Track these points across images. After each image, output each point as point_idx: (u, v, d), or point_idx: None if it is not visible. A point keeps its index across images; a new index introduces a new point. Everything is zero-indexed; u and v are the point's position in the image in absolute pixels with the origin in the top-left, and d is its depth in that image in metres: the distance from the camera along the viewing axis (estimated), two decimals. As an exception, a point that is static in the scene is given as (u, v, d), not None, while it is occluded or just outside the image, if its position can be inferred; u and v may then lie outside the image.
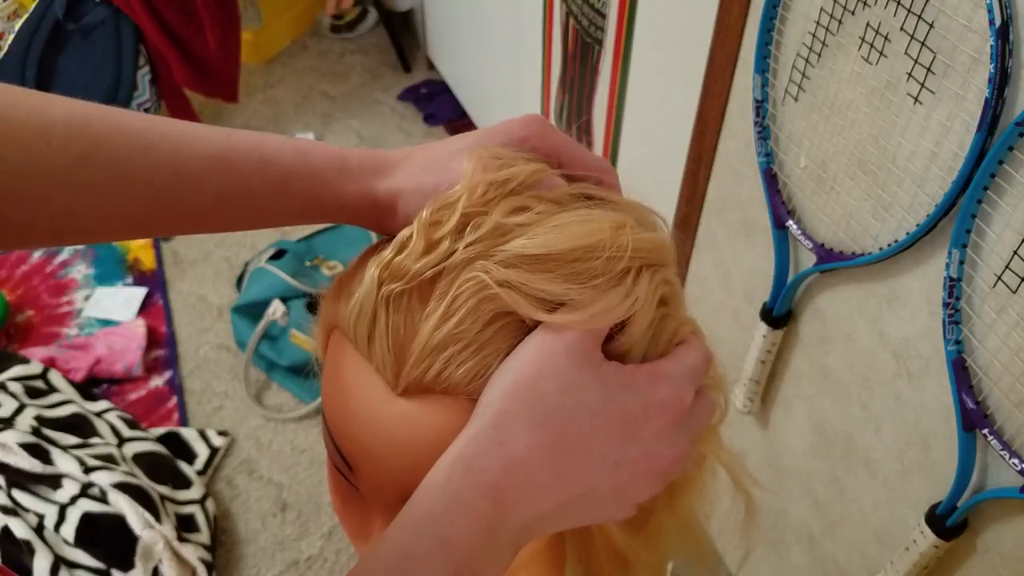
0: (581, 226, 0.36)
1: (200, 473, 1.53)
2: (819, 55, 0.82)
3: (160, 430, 1.60)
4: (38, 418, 1.49)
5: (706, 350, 0.39)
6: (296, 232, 1.99)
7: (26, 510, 1.34)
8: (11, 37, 1.86)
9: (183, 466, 1.52)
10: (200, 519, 1.43)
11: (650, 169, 1.25)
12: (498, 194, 0.37)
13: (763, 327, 1.00)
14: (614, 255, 0.36)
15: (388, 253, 0.36)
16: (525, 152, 0.40)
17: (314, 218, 0.40)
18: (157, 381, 1.73)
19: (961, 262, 0.71)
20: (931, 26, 0.69)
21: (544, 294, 0.35)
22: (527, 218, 0.36)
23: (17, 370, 1.62)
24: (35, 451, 1.38)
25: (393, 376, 0.35)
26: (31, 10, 1.87)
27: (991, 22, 0.61)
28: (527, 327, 0.35)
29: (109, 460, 1.43)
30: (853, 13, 0.77)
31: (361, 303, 0.36)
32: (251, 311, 1.74)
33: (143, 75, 2.03)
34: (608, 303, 0.35)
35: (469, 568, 0.32)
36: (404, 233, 0.36)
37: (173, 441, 1.58)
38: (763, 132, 0.92)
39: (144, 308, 1.87)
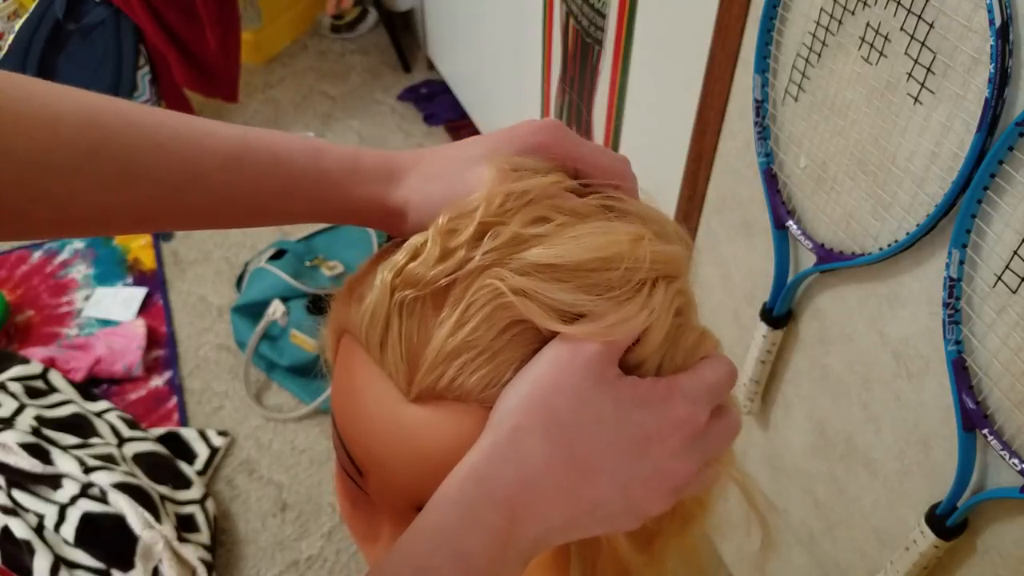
0: (599, 238, 0.36)
1: (200, 473, 1.53)
2: (819, 55, 0.82)
3: (160, 430, 1.60)
4: (38, 418, 1.49)
5: (730, 367, 0.39)
6: (296, 232, 1.99)
7: (26, 510, 1.34)
8: (11, 37, 1.86)
9: (183, 466, 1.52)
10: (200, 519, 1.43)
11: (650, 169, 1.25)
12: (516, 205, 0.36)
13: (763, 327, 1.00)
14: (631, 267, 0.35)
15: (400, 258, 0.35)
16: (542, 160, 0.39)
17: (323, 218, 0.40)
18: (157, 381, 1.73)
19: (961, 262, 0.70)
20: (931, 26, 0.69)
21: (560, 304, 0.34)
22: (545, 229, 0.35)
23: (17, 370, 1.62)
24: (35, 451, 1.38)
25: (405, 383, 0.35)
26: (31, 10, 1.87)
27: (991, 22, 0.61)
28: (542, 335, 0.35)
29: (109, 460, 1.43)
30: (853, 13, 0.77)
31: (373, 309, 0.36)
32: (251, 311, 1.74)
33: (143, 75, 2.03)
34: (625, 315, 0.35)
35: None
36: (418, 239, 0.36)
37: (173, 441, 1.58)
38: (763, 132, 0.92)
39: (144, 308, 1.87)
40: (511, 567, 0.33)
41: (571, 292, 0.34)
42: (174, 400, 1.69)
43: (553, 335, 0.35)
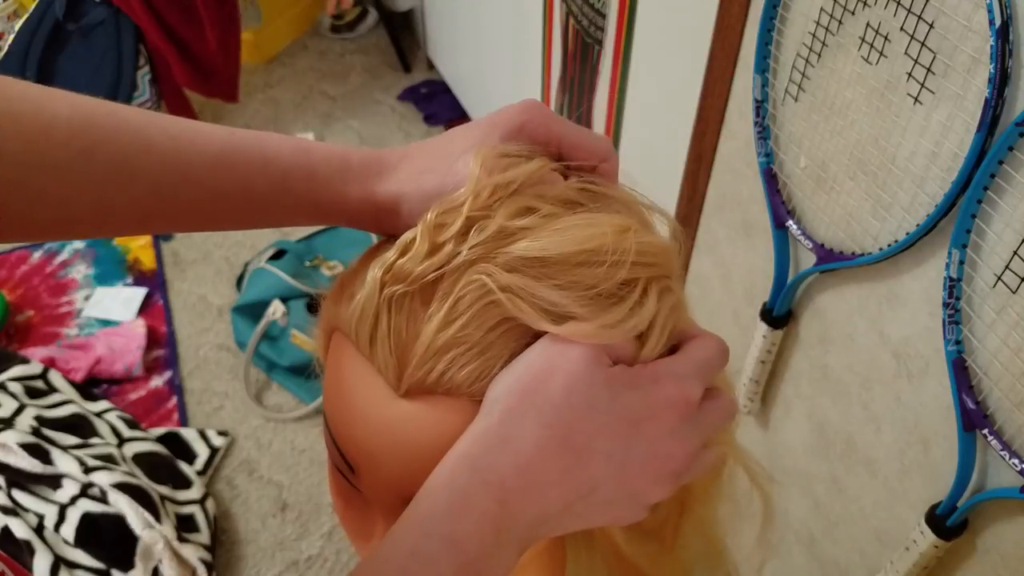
0: (584, 230, 0.36)
1: (200, 473, 1.53)
2: (819, 55, 0.82)
3: (160, 430, 1.60)
4: (38, 418, 1.49)
5: (719, 344, 0.39)
6: (296, 232, 1.99)
7: (26, 510, 1.34)
8: (11, 37, 1.86)
9: (183, 466, 1.52)
10: (200, 519, 1.43)
11: (650, 169, 1.25)
12: (503, 196, 0.36)
13: (763, 327, 1.00)
14: (616, 260, 0.35)
15: (391, 255, 0.36)
16: (526, 144, 0.39)
17: (315, 219, 0.40)
18: (157, 381, 1.73)
19: (961, 262, 0.70)
20: (931, 26, 0.69)
21: (547, 303, 0.34)
22: (531, 221, 0.36)
23: (17, 370, 1.62)
24: (35, 451, 1.38)
25: (395, 378, 0.35)
26: (31, 10, 1.87)
27: (991, 22, 0.61)
28: (531, 331, 0.35)
29: (109, 460, 1.43)
30: (853, 13, 0.77)
31: (363, 305, 0.36)
32: (251, 311, 1.74)
33: (143, 75, 2.03)
34: (615, 317, 0.35)
35: (475, 568, 0.32)
36: (407, 235, 0.36)
37: (173, 441, 1.58)
38: (763, 132, 0.92)
39: (144, 308, 1.87)
40: (506, 553, 0.33)
41: (558, 290, 0.35)
42: (174, 400, 1.69)
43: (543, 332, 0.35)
